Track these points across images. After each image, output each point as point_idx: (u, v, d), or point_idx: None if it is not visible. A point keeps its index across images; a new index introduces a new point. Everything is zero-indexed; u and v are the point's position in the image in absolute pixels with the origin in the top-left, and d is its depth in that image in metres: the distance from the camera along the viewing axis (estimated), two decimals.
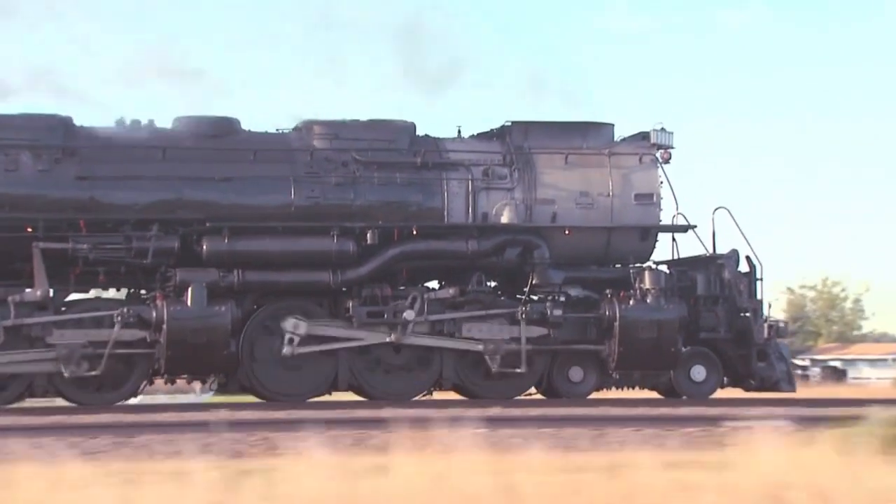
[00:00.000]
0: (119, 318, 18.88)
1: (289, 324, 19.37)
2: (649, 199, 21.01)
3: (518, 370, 19.95)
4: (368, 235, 19.69)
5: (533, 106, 31.87)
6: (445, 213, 20.39)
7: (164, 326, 18.76)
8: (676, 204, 21.14)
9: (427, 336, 19.91)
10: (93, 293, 20.24)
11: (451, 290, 20.23)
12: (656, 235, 21.19)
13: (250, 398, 20.29)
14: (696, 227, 21.22)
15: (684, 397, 20.61)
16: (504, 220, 20.45)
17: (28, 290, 18.79)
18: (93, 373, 18.78)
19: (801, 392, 22.14)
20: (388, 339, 19.70)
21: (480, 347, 19.92)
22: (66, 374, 18.71)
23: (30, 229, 18.81)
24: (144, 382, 19.64)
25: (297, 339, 19.37)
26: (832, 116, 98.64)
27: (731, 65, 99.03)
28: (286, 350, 19.34)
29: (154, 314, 18.90)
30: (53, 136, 19.31)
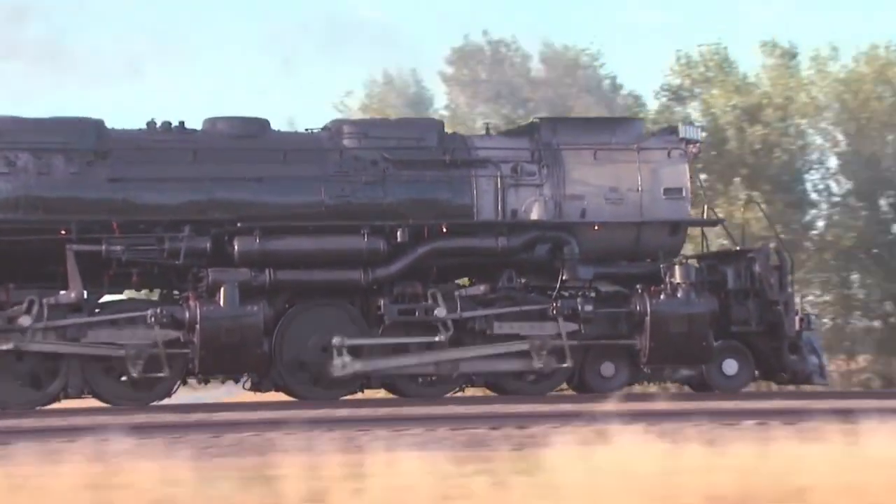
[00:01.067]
0: (153, 319, 19.02)
1: (338, 365, 19.41)
2: (678, 194, 21.03)
3: (564, 364, 19.99)
4: (398, 233, 19.76)
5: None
6: (475, 211, 20.44)
7: (198, 326, 18.88)
8: (706, 198, 21.16)
9: (450, 350, 19.85)
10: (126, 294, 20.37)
11: (482, 287, 20.30)
12: (686, 230, 21.21)
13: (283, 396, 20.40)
14: (724, 220, 21.24)
15: (716, 391, 20.64)
16: (533, 216, 20.49)
17: (62, 292, 18.95)
18: (160, 374, 18.91)
19: None
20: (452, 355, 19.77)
21: (526, 346, 19.94)
22: (134, 375, 18.83)
23: (63, 232, 18.96)
24: (178, 382, 19.75)
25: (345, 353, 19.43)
26: None
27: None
28: (338, 371, 19.43)
29: (187, 314, 19.03)
30: (85, 139, 19.45)
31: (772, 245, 21.40)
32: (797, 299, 21.03)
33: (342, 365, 19.41)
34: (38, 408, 18.73)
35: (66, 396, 19.44)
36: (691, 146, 21.27)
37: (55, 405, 19.28)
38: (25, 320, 18.65)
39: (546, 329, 20.02)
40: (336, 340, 19.40)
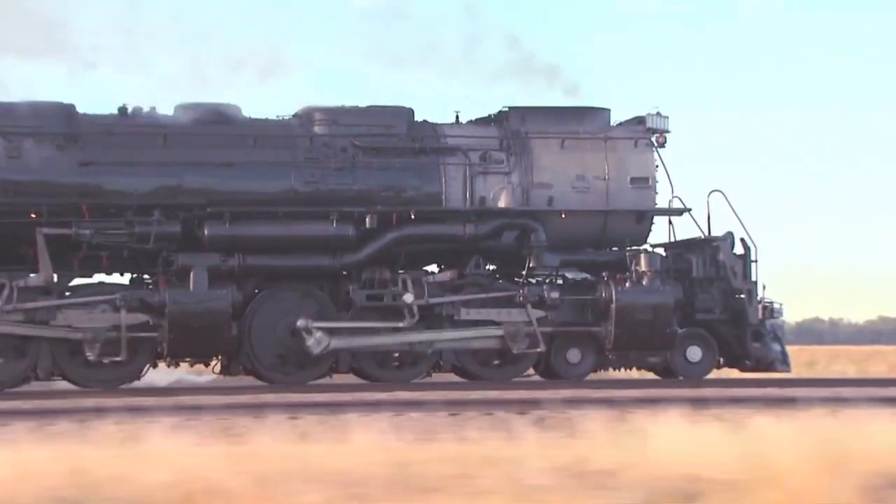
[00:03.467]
0: (122, 302, 19.18)
1: (312, 341, 19.60)
2: (645, 183, 21.27)
3: (539, 349, 20.21)
4: (367, 220, 19.95)
5: (536, 93, 31.99)
6: (443, 198, 20.65)
7: (167, 310, 19.05)
8: (672, 187, 21.42)
9: (415, 332, 20.07)
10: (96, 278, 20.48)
11: (449, 274, 20.51)
12: (652, 218, 21.43)
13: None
14: (690, 209, 21.48)
15: (680, 377, 20.89)
16: (501, 204, 20.71)
17: (32, 274, 19.09)
18: (117, 358, 19.05)
19: None
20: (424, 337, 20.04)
21: (500, 332, 20.16)
22: (91, 358, 18.97)
23: (33, 215, 19.10)
24: (148, 366, 19.90)
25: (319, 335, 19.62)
26: (829, 107, 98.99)
27: (732, 53, 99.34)
28: (315, 349, 19.60)
29: (156, 298, 19.18)
30: (56, 122, 19.60)
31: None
32: (760, 288, 21.24)
33: (318, 342, 19.57)
34: (7, 390, 18.83)
35: (37, 378, 19.58)
36: (658, 135, 21.48)
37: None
38: None
39: (513, 316, 20.24)
40: (300, 323, 19.57)
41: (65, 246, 19.22)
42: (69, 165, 19.49)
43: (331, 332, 19.69)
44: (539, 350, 20.22)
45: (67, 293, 19.56)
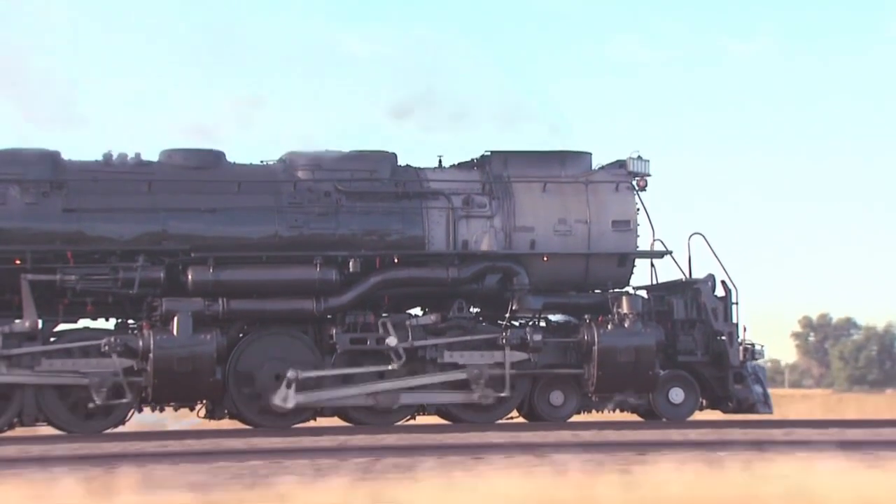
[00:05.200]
0: (107, 347, 19.28)
1: (279, 398, 19.68)
2: (626, 226, 21.44)
3: (502, 394, 20.31)
4: (351, 264, 20.10)
5: (520, 136, 32.19)
6: (426, 241, 20.81)
7: (151, 355, 19.16)
8: (653, 230, 21.64)
9: (388, 381, 20.17)
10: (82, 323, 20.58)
11: (433, 317, 20.65)
12: (633, 261, 21.60)
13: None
14: (672, 252, 21.66)
15: (664, 419, 21.01)
16: (484, 247, 20.87)
17: (17, 320, 19.20)
18: (124, 400, 19.16)
19: None
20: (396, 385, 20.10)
21: (464, 375, 20.30)
22: (98, 402, 19.06)
23: (18, 261, 19.22)
24: (132, 410, 19.98)
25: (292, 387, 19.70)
26: (812, 151, 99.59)
27: (713, 98, 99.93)
28: (285, 403, 19.67)
29: (141, 343, 19.30)
30: (41, 169, 19.74)
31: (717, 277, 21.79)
32: (741, 330, 21.40)
33: (283, 397, 19.69)
34: None
35: (21, 424, 19.66)
36: (639, 179, 21.68)
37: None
38: None
39: (495, 357, 20.37)
40: (291, 374, 19.67)
41: (50, 292, 19.33)
42: (54, 212, 19.63)
43: (303, 385, 19.74)
44: (502, 395, 20.30)
45: (52, 339, 19.66)
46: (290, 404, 19.68)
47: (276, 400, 19.66)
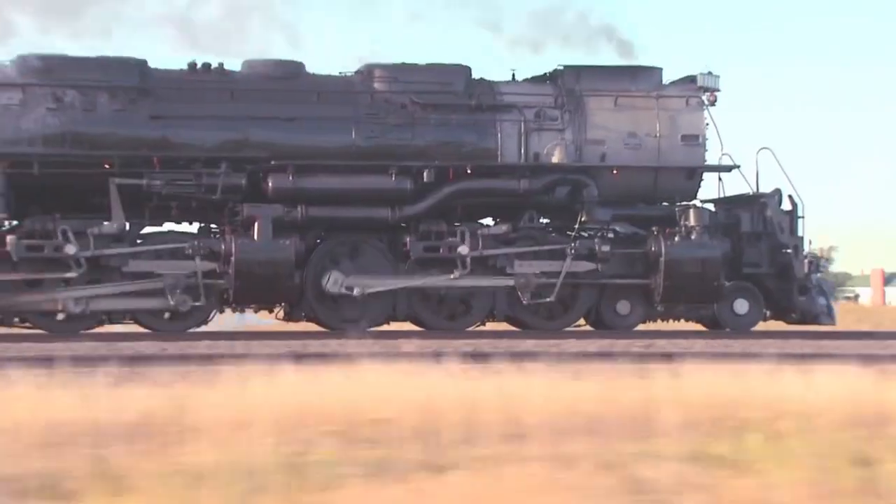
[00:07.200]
0: (191, 251, 20.08)
1: (330, 281, 20.39)
2: (695, 140, 21.85)
3: (549, 299, 20.90)
4: (425, 174, 20.68)
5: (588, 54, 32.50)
6: (499, 153, 21.34)
7: (233, 258, 19.93)
8: (722, 145, 22.00)
9: (470, 276, 20.79)
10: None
11: (504, 227, 21.24)
12: (701, 175, 22.03)
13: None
14: (739, 166, 22.06)
15: (728, 329, 21.53)
16: (555, 159, 21.35)
17: (106, 223, 20.03)
18: (196, 303, 19.97)
19: None
20: (438, 282, 20.69)
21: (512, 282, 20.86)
22: (173, 304, 19.88)
23: (107, 165, 20.01)
24: (214, 311, 20.82)
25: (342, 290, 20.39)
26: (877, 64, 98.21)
27: (782, 11, 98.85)
28: (332, 288, 20.35)
29: (223, 247, 20.07)
30: (129, 77, 20.46)
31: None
32: (806, 243, 21.83)
33: (334, 282, 20.32)
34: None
35: (110, 322, 20.56)
36: (709, 94, 22.04)
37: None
38: (70, 249, 19.71)
39: (552, 267, 20.85)
40: (329, 282, 20.33)
41: (136, 196, 20.11)
42: (141, 119, 20.36)
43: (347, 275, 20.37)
44: (549, 300, 20.86)
45: (139, 241, 20.47)
46: (338, 287, 20.28)
47: (327, 285, 20.28)
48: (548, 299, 20.91)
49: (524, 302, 20.89)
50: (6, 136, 19.88)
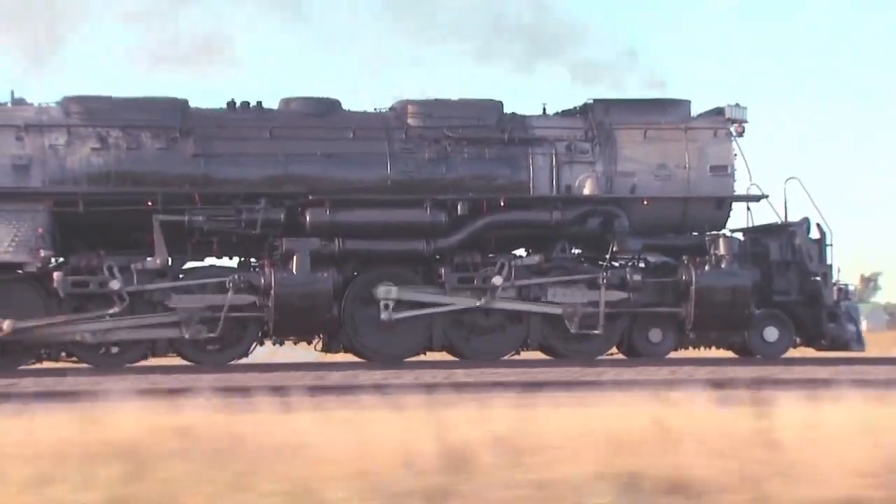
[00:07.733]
0: (231, 284, 20.62)
1: (381, 290, 20.90)
2: (724, 171, 22.26)
3: (595, 331, 21.34)
4: (459, 207, 21.19)
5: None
6: (531, 186, 21.81)
7: (272, 291, 20.43)
8: (750, 175, 22.40)
9: (512, 300, 21.32)
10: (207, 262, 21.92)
11: (537, 258, 21.69)
12: (731, 205, 22.42)
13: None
14: (768, 196, 22.45)
15: (758, 356, 21.87)
16: (586, 191, 21.81)
17: (149, 258, 20.59)
18: (210, 335, 20.52)
19: None
20: (477, 304, 21.16)
21: (560, 311, 21.32)
22: (186, 336, 20.47)
23: (150, 203, 20.58)
24: (255, 343, 21.33)
25: (391, 304, 20.89)
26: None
27: (806, 45, 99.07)
28: (384, 315, 20.87)
29: (262, 280, 20.59)
30: (171, 117, 21.06)
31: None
32: (835, 270, 22.18)
33: (385, 308, 20.84)
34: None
35: (153, 355, 21.09)
36: (737, 125, 22.46)
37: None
38: (115, 284, 20.27)
39: (584, 297, 21.31)
40: (381, 291, 20.84)
41: (179, 232, 20.66)
42: (183, 157, 20.94)
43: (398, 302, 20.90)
44: (596, 332, 21.29)
45: (181, 276, 21.02)
46: (387, 314, 20.78)
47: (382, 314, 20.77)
48: (595, 331, 21.30)
49: (572, 331, 21.28)
50: (52, 175, 20.51)
